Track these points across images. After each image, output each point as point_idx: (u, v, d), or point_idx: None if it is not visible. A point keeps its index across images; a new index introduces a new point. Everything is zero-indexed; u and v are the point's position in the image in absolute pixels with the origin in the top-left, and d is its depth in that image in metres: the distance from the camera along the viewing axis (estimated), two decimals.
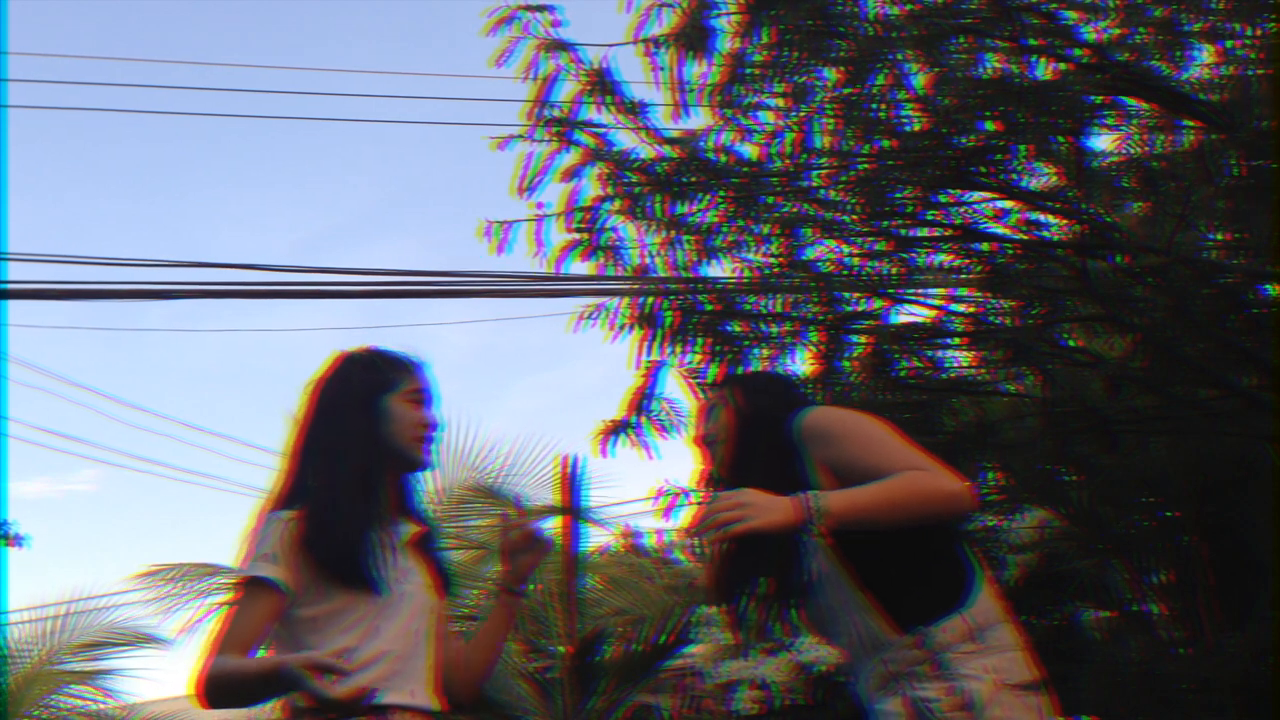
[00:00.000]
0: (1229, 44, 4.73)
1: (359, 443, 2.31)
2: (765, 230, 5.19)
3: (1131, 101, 4.91)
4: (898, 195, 5.00)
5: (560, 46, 4.92)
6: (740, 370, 2.66)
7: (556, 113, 4.95)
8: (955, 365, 5.83)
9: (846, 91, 4.77)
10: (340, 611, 2.20)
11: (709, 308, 5.20)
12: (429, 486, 9.72)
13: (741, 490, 2.10)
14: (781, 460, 2.34)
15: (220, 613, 2.25)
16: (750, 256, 5.31)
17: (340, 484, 2.26)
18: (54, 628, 9.64)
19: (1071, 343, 5.76)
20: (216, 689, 2.10)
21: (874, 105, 4.75)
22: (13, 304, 8.92)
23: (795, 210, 5.15)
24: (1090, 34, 4.75)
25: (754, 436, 2.44)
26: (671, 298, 5.15)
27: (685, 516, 5.38)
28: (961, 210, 5.19)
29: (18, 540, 8.33)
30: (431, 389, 2.44)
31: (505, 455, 9.49)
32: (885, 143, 4.86)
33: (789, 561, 2.38)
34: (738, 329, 5.22)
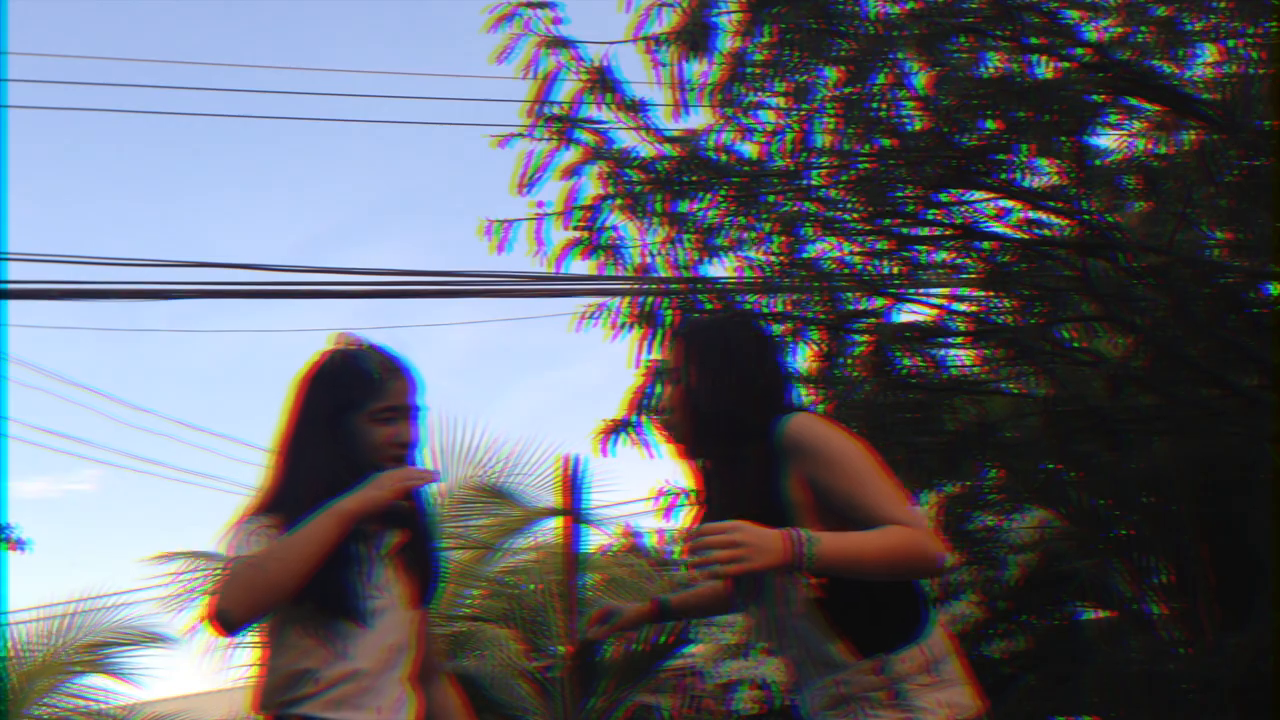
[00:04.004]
0: (1231, 43, 4.72)
1: (326, 467, 2.22)
2: (766, 229, 5.19)
3: (1133, 101, 4.91)
4: (899, 194, 5.00)
5: (561, 44, 4.91)
6: (703, 323, 2.23)
7: (557, 111, 4.94)
8: (957, 364, 5.83)
9: (847, 90, 4.77)
10: (316, 631, 2.16)
11: (709, 306, 5.20)
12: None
13: (737, 525, 2.00)
14: (754, 465, 2.23)
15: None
16: (751, 255, 5.31)
17: (303, 509, 2.17)
18: (58, 627, 9.63)
19: (1074, 343, 5.76)
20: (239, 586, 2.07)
21: (875, 104, 4.75)
22: (13, 304, 8.91)
23: (796, 209, 5.14)
24: (1092, 33, 4.75)
25: (713, 430, 2.29)
26: (672, 297, 5.15)
27: (685, 518, 5.37)
28: (963, 209, 5.19)
29: (19, 544, 8.32)
30: (408, 398, 2.30)
31: (508, 455, 9.51)
32: (886, 142, 4.85)
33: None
34: None
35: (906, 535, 2.08)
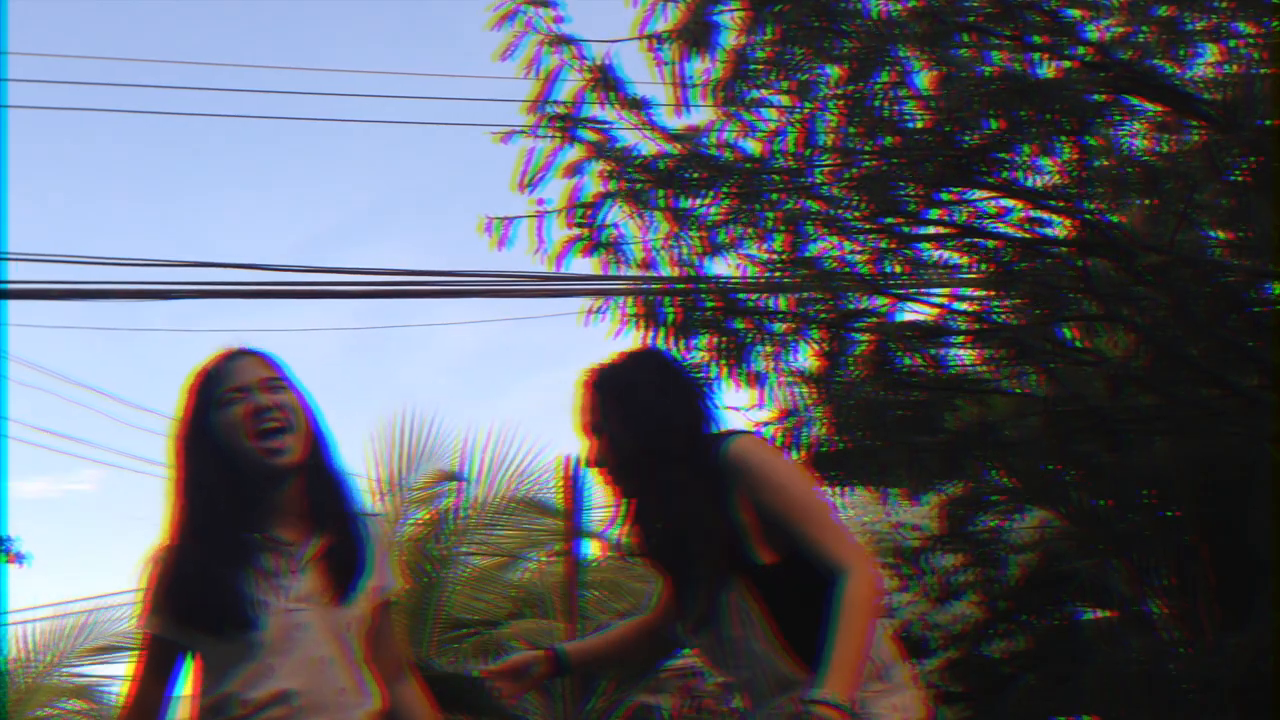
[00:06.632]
0: (1232, 43, 4.73)
1: (201, 475, 2.16)
2: (768, 227, 5.19)
3: (1135, 100, 4.91)
4: (901, 193, 5.00)
5: (563, 42, 4.91)
6: (608, 370, 2.39)
7: (559, 109, 4.94)
8: (958, 363, 5.83)
9: (850, 88, 4.77)
10: (228, 653, 2.08)
11: (711, 304, 5.20)
12: (466, 494, 9.80)
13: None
14: (691, 490, 2.27)
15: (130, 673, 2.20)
16: (753, 253, 5.31)
17: (188, 526, 2.14)
18: (65, 631, 9.64)
19: (1075, 343, 5.76)
20: None
21: (877, 102, 4.75)
22: (13, 304, 8.91)
23: (798, 207, 5.14)
24: (1093, 32, 4.75)
25: (644, 468, 2.32)
26: (674, 295, 5.15)
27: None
28: (964, 208, 5.19)
29: (19, 558, 8.30)
30: (252, 374, 2.20)
31: (544, 467, 9.65)
32: (888, 140, 4.86)
33: (697, 591, 2.29)
34: (740, 325, 5.21)
35: (861, 596, 2.14)
